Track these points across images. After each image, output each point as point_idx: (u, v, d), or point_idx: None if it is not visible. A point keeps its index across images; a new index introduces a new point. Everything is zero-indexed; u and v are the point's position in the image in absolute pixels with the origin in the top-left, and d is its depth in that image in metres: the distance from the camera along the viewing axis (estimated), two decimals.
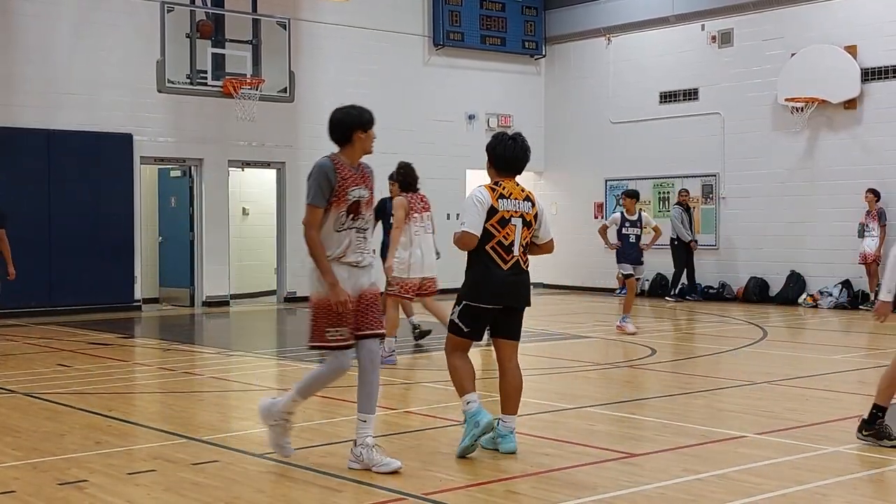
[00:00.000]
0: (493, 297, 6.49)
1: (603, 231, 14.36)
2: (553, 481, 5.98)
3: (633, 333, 13.39)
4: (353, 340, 6.16)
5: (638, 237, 13.87)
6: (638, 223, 13.84)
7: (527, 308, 6.71)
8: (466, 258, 6.62)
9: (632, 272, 13.88)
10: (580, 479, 6.03)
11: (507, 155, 6.64)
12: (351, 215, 6.13)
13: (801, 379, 9.84)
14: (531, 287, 6.73)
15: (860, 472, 6.12)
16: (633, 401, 8.85)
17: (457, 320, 6.58)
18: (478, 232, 6.48)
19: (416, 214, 10.82)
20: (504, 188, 6.56)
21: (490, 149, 6.71)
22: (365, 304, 6.20)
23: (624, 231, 13.83)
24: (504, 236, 6.49)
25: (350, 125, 6.23)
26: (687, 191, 19.81)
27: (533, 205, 6.64)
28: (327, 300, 6.04)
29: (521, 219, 6.54)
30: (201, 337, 15.34)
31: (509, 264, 6.50)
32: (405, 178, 10.89)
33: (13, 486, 5.93)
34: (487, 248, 6.49)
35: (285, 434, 6.40)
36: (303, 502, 5.62)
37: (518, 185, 6.66)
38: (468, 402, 6.49)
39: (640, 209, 14.27)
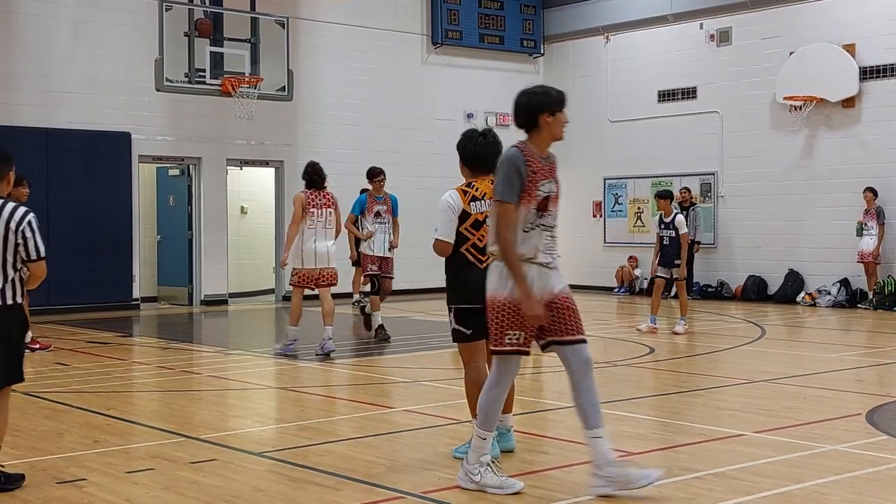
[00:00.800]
0: (472, 297, 6.31)
1: (659, 242, 13.99)
2: (551, 480, 5.98)
3: (641, 331, 13.54)
4: (528, 347, 5.63)
5: (672, 238, 13.62)
6: (672, 224, 13.60)
7: None
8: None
9: (663, 275, 13.79)
10: (578, 478, 6.03)
11: (478, 152, 6.47)
12: (539, 212, 5.61)
13: (800, 377, 9.84)
14: None
15: (858, 471, 6.12)
16: (631, 399, 8.86)
17: (455, 326, 6.44)
18: (451, 238, 6.36)
19: (312, 210, 11.53)
20: (477, 189, 6.41)
21: (460, 148, 6.54)
22: (560, 308, 5.65)
23: (658, 233, 13.76)
24: (479, 238, 6.35)
25: (534, 108, 5.67)
26: (688, 189, 19.78)
27: None
28: (511, 301, 5.52)
29: None
30: (200, 336, 15.34)
31: (486, 264, 6.29)
32: (311, 176, 11.67)
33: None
34: (462, 250, 6.38)
35: (498, 472, 5.73)
36: (301, 501, 5.63)
37: (493, 183, 6.45)
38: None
39: (676, 211, 14.07)
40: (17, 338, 5.94)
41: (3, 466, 5.97)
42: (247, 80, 17.35)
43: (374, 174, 13.32)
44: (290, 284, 11.91)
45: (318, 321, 11.73)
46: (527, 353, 5.63)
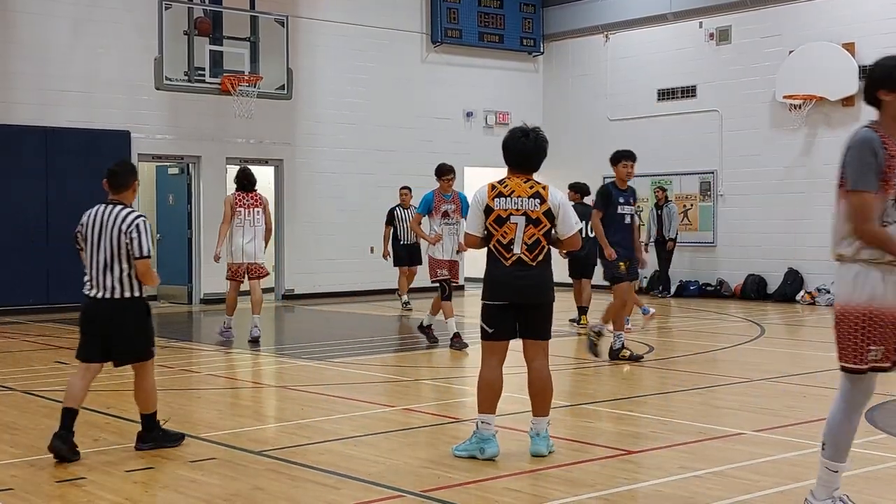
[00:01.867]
0: (497, 294, 6.46)
1: None
2: (551, 479, 5.98)
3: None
4: (889, 363, 4.80)
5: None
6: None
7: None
8: None
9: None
10: (578, 477, 6.04)
11: (517, 150, 6.53)
12: None
13: (799, 376, 9.85)
14: (548, 283, 6.58)
15: (857, 470, 6.12)
16: (630, 398, 8.86)
17: (481, 323, 6.54)
18: (476, 231, 6.50)
19: (240, 209, 12.54)
20: (506, 186, 6.47)
21: (503, 145, 6.62)
22: None
23: None
24: (502, 234, 6.43)
25: (873, 84, 4.97)
26: (661, 188, 19.92)
27: (543, 201, 6.46)
28: (871, 310, 4.76)
29: (523, 216, 6.42)
30: (199, 334, 15.33)
31: (510, 262, 6.43)
32: (241, 181, 12.76)
33: (11, 483, 5.94)
34: (491, 246, 6.51)
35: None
36: (301, 499, 5.62)
37: (528, 181, 6.51)
38: (483, 423, 6.41)
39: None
40: (136, 324, 6.84)
41: (165, 421, 6.96)
42: (246, 78, 17.33)
43: (444, 172, 12.24)
44: (225, 279, 13.05)
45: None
46: (889, 370, 4.82)
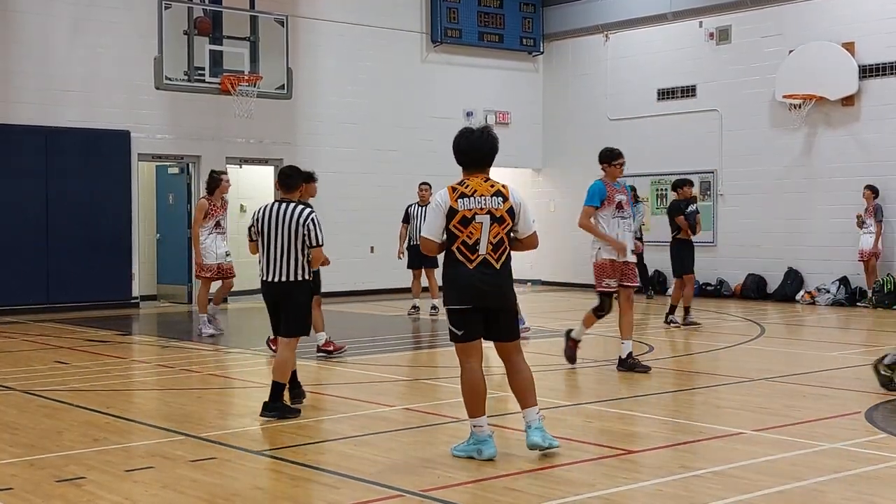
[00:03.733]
0: (461, 297, 6.35)
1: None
2: (551, 478, 5.98)
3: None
4: None
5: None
6: None
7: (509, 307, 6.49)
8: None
9: None
10: (578, 476, 6.04)
11: (464, 147, 6.43)
12: None
13: (799, 376, 9.85)
14: (511, 285, 6.50)
15: (857, 469, 6.13)
16: (630, 398, 8.86)
17: (449, 326, 6.48)
18: (435, 236, 6.37)
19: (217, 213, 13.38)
20: (467, 186, 6.37)
21: (455, 145, 6.51)
22: None
23: None
24: (468, 236, 6.32)
25: None
26: (633, 188, 19.85)
27: (505, 199, 6.40)
28: None
29: (488, 216, 6.33)
30: (199, 334, 15.29)
31: (475, 263, 6.33)
32: (209, 184, 13.51)
33: (11, 483, 5.94)
34: (453, 248, 6.37)
35: None
36: (301, 499, 5.63)
37: (488, 180, 6.43)
38: (476, 426, 6.39)
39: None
40: (303, 303, 7.90)
41: (304, 397, 8.26)
42: (246, 78, 17.33)
43: (615, 156, 10.14)
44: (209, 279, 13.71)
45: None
46: None
